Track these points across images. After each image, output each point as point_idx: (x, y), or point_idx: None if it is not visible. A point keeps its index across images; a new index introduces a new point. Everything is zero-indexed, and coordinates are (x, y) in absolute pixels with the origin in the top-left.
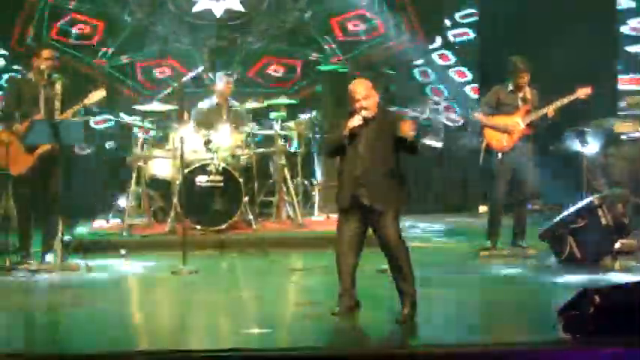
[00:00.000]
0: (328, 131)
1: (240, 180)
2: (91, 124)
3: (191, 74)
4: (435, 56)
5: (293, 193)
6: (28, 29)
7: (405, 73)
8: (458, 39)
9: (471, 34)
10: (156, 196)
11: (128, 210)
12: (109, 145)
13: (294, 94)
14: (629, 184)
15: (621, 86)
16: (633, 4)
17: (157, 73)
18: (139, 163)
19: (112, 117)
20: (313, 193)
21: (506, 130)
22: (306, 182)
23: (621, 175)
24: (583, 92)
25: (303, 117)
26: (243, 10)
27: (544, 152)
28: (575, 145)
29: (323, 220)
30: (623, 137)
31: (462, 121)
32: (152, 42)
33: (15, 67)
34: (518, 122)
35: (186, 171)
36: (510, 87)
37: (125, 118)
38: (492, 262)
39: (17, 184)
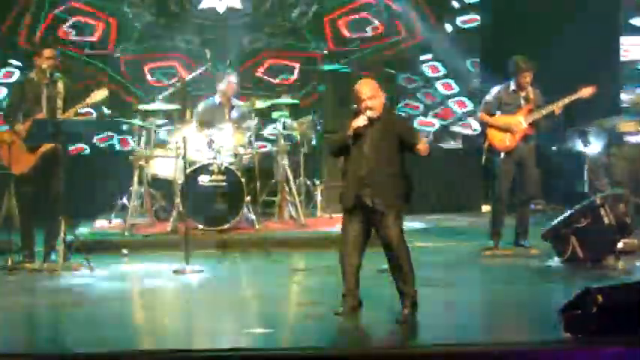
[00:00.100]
0: (330, 131)
1: (243, 180)
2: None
3: (194, 73)
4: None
5: (295, 193)
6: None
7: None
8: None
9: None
10: (158, 196)
11: (130, 209)
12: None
13: (301, 97)
14: (631, 183)
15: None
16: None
17: (160, 72)
18: (141, 163)
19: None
20: (316, 193)
21: (509, 130)
22: (308, 182)
23: (623, 174)
24: (586, 91)
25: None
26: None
27: (547, 152)
28: (578, 145)
29: (325, 220)
30: (626, 137)
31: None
32: (154, 40)
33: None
34: (520, 122)
35: (188, 170)
36: (513, 86)
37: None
38: (495, 262)
39: (19, 184)
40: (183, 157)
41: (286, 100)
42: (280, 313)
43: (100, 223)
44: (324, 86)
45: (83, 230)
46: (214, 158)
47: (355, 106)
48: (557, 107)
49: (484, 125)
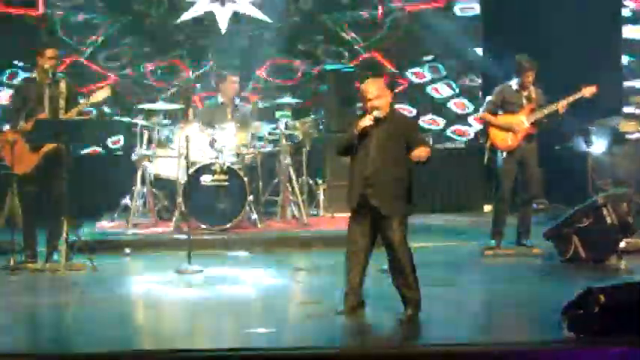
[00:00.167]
0: (333, 130)
1: (245, 179)
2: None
3: (196, 73)
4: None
5: (298, 192)
6: None
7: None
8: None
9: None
10: (160, 196)
11: (133, 209)
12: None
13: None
14: (634, 183)
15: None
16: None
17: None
18: (143, 163)
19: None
20: (318, 192)
21: (511, 129)
22: (311, 181)
23: (626, 174)
24: (588, 91)
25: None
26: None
27: (549, 151)
28: (580, 145)
29: (328, 220)
30: (628, 136)
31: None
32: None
33: None
34: (522, 121)
35: (191, 170)
36: (515, 86)
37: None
38: (497, 262)
39: (22, 184)
40: (186, 157)
41: (289, 99)
42: (282, 313)
43: (103, 223)
44: (326, 86)
45: (85, 230)
46: (217, 158)
47: (361, 105)
48: (559, 106)
49: (486, 124)
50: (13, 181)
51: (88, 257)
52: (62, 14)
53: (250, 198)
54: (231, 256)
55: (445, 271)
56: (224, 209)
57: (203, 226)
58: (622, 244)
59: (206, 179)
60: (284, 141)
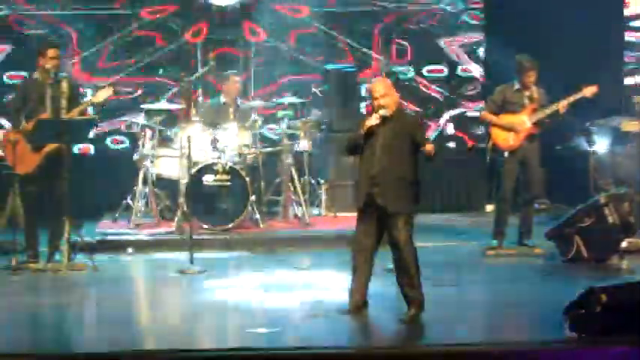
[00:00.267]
0: (336, 130)
1: (247, 179)
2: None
3: (199, 73)
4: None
5: (300, 192)
6: None
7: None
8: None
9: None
10: (162, 196)
11: (135, 209)
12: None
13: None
14: (636, 183)
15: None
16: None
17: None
18: (145, 163)
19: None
20: (320, 191)
21: (513, 129)
22: (313, 181)
23: (627, 174)
24: (589, 91)
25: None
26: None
27: (551, 151)
28: (582, 144)
29: (330, 219)
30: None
31: None
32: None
33: None
34: (524, 121)
35: (193, 170)
36: (517, 85)
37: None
38: (498, 262)
39: (24, 184)
40: (188, 157)
41: (291, 99)
42: (284, 313)
43: (105, 223)
44: (327, 85)
45: (87, 230)
46: (219, 158)
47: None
48: (560, 106)
49: (488, 124)
50: (14, 181)
51: (90, 257)
52: None
53: (252, 198)
54: (234, 256)
55: (447, 271)
56: (226, 209)
57: (205, 226)
58: (624, 244)
59: (208, 179)
60: (286, 140)
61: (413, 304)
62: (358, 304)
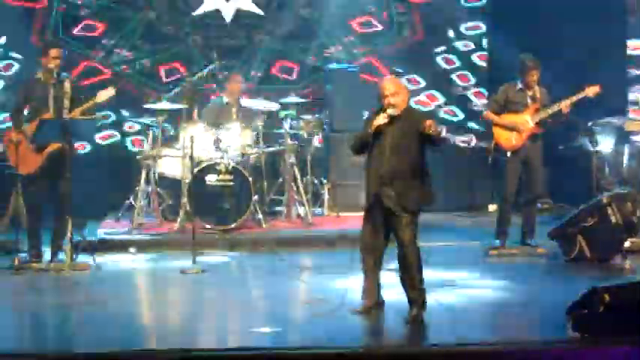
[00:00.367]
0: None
1: (250, 179)
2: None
3: (201, 73)
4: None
5: (303, 191)
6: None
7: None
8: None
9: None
10: (165, 195)
11: (137, 209)
12: None
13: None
14: (638, 182)
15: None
16: None
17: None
18: (148, 162)
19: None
20: (323, 191)
21: (515, 129)
22: (316, 181)
23: (630, 173)
24: (592, 91)
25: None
26: (256, 10)
27: (553, 151)
28: (585, 144)
29: (333, 219)
30: (633, 136)
31: None
32: (163, 41)
33: None
34: (527, 120)
35: (195, 170)
36: (520, 85)
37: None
38: (501, 261)
39: (26, 184)
40: (191, 157)
41: (294, 99)
42: (287, 313)
43: (108, 223)
44: (329, 85)
45: (90, 230)
46: (221, 158)
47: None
48: (563, 106)
49: (490, 124)
50: (17, 181)
51: (92, 257)
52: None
53: (255, 198)
54: (236, 256)
55: (449, 270)
56: (229, 209)
57: (208, 226)
58: (627, 244)
59: (211, 179)
60: (288, 140)
61: (414, 305)
62: (369, 305)
